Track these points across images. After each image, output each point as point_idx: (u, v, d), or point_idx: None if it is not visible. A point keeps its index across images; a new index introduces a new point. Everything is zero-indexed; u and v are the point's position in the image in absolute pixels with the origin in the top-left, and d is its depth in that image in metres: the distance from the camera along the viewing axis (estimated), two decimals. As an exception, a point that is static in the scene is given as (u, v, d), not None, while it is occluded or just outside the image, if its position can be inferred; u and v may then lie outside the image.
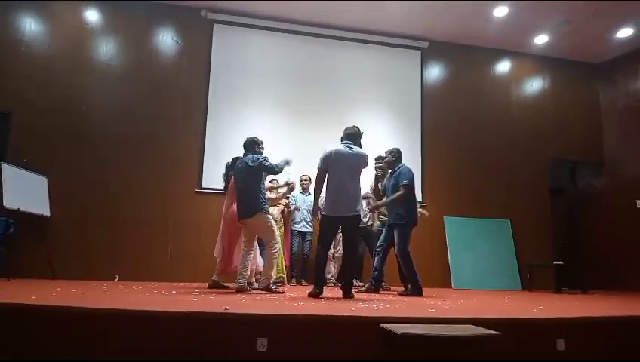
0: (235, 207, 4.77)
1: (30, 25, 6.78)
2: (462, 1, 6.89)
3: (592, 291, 6.87)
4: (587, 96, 8.68)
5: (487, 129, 8.15)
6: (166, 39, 7.26)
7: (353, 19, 7.49)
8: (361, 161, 4.45)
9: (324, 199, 4.51)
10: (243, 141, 4.88)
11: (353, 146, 4.48)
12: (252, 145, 4.80)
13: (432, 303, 3.95)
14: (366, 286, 5.34)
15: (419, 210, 5.72)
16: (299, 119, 7.49)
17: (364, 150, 4.57)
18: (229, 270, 5.00)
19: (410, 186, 5.13)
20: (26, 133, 6.46)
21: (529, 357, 2.89)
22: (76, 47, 6.90)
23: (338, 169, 4.34)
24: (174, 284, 5.54)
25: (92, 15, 7.03)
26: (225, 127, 7.17)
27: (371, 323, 2.66)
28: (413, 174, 5.22)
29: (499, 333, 2.51)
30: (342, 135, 4.60)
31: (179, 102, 7.13)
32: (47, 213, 6.22)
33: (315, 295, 4.19)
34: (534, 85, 8.58)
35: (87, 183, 6.60)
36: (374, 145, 7.27)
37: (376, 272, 5.27)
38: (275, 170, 4.65)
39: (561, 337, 2.99)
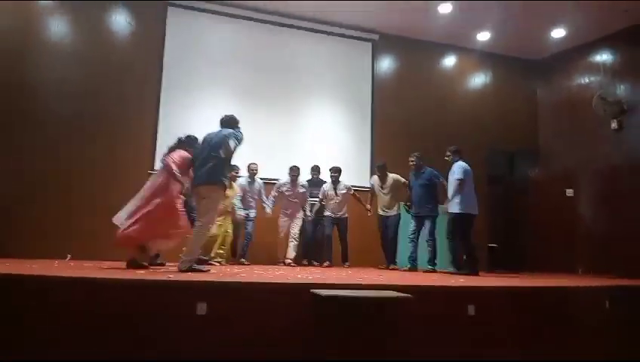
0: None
1: (-24, 0, 6.62)
2: (409, -2, 7.21)
3: (523, 272, 7.33)
4: (525, 91, 9.27)
5: (433, 120, 8.56)
6: (119, 19, 7.25)
7: (307, 7, 7.64)
8: (455, 171, 6.00)
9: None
10: (222, 118, 4.63)
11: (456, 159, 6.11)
12: (233, 123, 4.57)
13: (367, 276, 4.32)
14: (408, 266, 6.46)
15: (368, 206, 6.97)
16: (252, 106, 7.63)
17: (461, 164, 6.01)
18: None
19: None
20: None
21: (443, 318, 3.30)
22: (26, 25, 6.78)
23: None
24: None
25: (42, -8, 6.93)
26: (179, 112, 7.22)
27: (303, 289, 2.98)
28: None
29: (411, 296, 2.88)
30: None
31: (132, 84, 7.14)
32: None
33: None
34: (477, 79, 9.09)
35: (37, 162, 6.55)
36: (326, 134, 7.64)
37: (414, 255, 6.44)
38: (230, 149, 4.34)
39: (472, 303, 3.42)
